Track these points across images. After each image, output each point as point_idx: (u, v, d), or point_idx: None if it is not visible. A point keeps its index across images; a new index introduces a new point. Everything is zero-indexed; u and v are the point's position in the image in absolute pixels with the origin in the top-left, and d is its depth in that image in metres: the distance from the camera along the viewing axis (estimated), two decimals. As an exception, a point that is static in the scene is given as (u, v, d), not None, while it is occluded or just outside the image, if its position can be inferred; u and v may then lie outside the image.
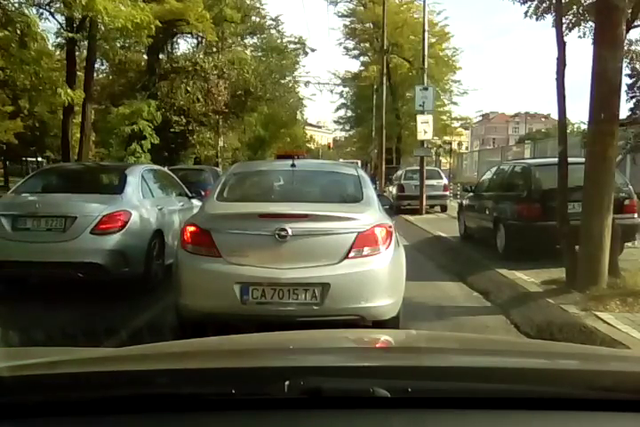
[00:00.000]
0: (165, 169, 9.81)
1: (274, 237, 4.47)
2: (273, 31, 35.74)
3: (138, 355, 1.67)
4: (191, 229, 4.75)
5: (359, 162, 37.71)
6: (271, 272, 4.46)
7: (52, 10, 17.73)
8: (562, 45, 6.63)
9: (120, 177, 7.32)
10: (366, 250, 4.57)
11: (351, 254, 4.53)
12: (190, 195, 8.70)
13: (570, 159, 6.75)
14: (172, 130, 24.67)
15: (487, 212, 9.82)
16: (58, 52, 22.18)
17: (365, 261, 4.56)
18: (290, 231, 4.47)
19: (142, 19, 15.20)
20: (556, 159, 7.03)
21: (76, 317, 5.29)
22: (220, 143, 30.92)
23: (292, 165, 5.43)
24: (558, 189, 6.83)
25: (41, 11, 17.28)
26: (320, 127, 76.46)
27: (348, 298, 4.50)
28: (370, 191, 5.28)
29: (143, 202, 7.06)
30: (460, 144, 42.23)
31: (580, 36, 8.72)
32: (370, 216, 4.78)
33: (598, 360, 1.66)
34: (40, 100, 20.29)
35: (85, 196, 6.79)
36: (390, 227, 4.78)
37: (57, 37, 21.24)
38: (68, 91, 16.02)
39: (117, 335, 4.14)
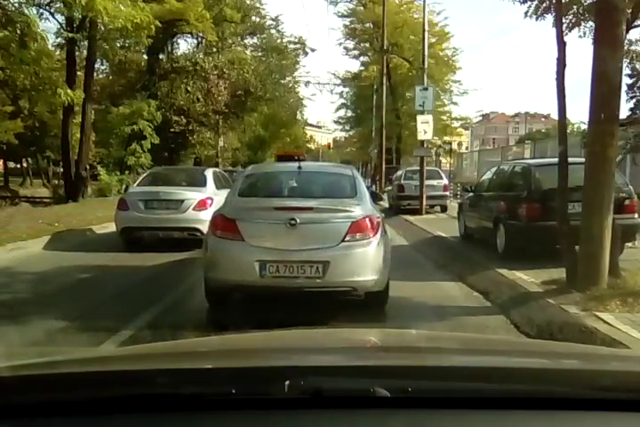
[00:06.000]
0: (222, 171, 13.60)
1: (286, 224, 5.55)
2: (273, 31, 35.83)
3: (137, 355, 1.67)
4: (220, 218, 5.89)
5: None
6: (284, 252, 5.54)
7: (51, 10, 17.77)
8: (562, 45, 6.62)
9: (202, 176, 11.45)
10: (359, 236, 5.64)
11: (347, 239, 5.59)
12: None
13: (570, 159, 6.74)
14: (171, 130, 24.68)
15: (487, 212, 9.81)
16: (58, 52, 22.20)
17: (358, 244, 5.62)
18: (298, 220, 5.55)
19: (142, 19, 15.21)
20: (556, 159, 7.02)
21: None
22: (220, 143, 30.95)
23: (299, 168, 6.53)
24: (558, 189, 6.82)
25: (41, 11, 17.34)
26: (320, 127, 76.33)
27: (344, 273, 5.58)
28: (363, 189, 6.43)
29: (217, 192, 10.54)
30: (459, 144, 42.12)
31: (580, 36, 8.68)
32: (362, 209, 5.86)
33: (598, 360, 1.66)
34: (40, 100, 20.29)
35: (185, 188, 11.05)
36: (378, 218, 5.93)
37: (57, 37, 21.32)
38: (68, 91, 16.03)
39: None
